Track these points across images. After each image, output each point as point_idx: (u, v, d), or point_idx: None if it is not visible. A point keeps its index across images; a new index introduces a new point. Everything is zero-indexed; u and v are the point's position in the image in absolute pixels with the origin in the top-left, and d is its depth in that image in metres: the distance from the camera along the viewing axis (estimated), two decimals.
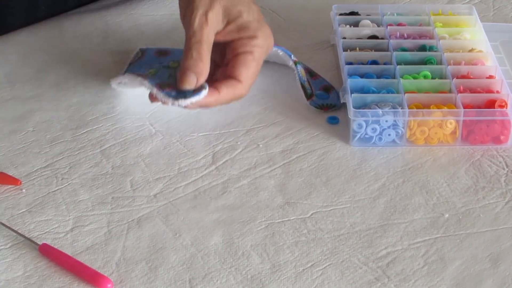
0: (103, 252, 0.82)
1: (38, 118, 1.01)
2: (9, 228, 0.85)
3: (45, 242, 0.83)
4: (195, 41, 0.89)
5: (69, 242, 0.83)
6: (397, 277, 0.80)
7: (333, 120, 1.00)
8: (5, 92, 1.05)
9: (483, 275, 0.80)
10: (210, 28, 0.90)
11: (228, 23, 0.91)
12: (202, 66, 0.89)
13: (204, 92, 0.89)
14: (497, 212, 0.87)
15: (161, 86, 0.91)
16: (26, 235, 0.84)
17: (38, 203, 0.89)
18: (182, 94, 0.89)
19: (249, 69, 0.91)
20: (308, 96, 1.02)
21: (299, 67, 1.03)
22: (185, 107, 0.90)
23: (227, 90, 0.91)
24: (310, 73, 1.06)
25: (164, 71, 0.95)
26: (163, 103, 0.91)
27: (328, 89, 1.04)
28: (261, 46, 0.92)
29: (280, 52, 1.03)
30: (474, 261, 0.82)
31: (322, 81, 1.05)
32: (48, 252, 0.82)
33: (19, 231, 0.85)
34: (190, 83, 0.89)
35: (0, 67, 1.10)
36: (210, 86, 0.90)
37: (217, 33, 0.91)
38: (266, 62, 1.00)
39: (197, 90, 0.89)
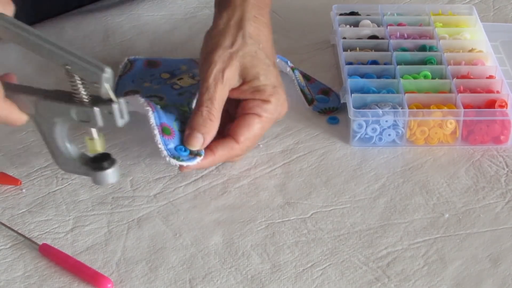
0: (103, 252, 0.82)
1: None
2: (9, 228, 0.85)
3: (45, 242, 0.83)
4: (208, 98, 0.88)
5: (69, 242, 0.83)
6: (397, 277, 0.80)
7: (333, 120, 1.00)
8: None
9: (483, 275, 0.80)
10: (225, 86, 0.88)
11: (244, 82, 0.89)
12: (211, 126, 0.88)
13: (198, 159, 0.88)
14: (497, 212, 0.87)
15: (163, 130, 0.88)
16: (26, 235, 0.84)
17: (38, 203, 0.89)
18: (178, 151, 0.88)
19: (250, 131, 0.89)
20: (310, 102, 1.02)
21: (297, 73, 1.03)
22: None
23: (222, 152, 0.89)
24: (306, 77, 1.06)
25: (173, 109, 0.92)
26: (160, 150, 0.88)
27: (327, 92, 1.04)
28: (271, 112, 0.90)
29: (277, 59, 1.02)
30: (474, 261, 0.82)
31: (319, 84, 1.05)
32: (48, 252, 0.82)
33: (19, 231, 0.85)
34: (196, 144, 0.88)
35: (0, 67, 1.10)
36: (207, 147, 0.89)
37: (231, 90, 0.89)
38: None
39: (192, 155, 0.88)
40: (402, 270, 0.81)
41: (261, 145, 0.97)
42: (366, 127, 0.95)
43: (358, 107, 0.96)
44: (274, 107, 0.90)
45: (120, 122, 0.77)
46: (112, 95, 0.76)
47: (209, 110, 0.87)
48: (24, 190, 0.90)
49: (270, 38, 0.93)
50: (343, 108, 1.01)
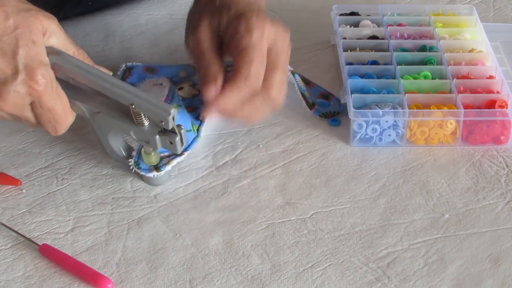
0: (103, 253, 0.82)
1: None
2: (9, 228, 0.85)
3: (45, 242, 0.83)
4: (195, 59, 0.89)
5: (70, 243, 0.83)
6: (397, 277, 0.80)
7: (334, 122, 1.00)
8: None
9: (483, 276, 0.80)
10: (204, 43, 0.89)
11: (218, 35, 0.90)
12: (211, 71, 0.87)
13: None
14: (497, 213, 0.87)
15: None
16: (26, 236, 0.84)
17: (38, 203, 0.89)
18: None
19: (244, 58, 0.86)
20: (311, 106, 1.01)
21: (297, 77, 1.02)
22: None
23: (230, 87, 0.87)
24: (305, 81, 1.05)
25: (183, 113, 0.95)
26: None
27: (327, 96, 1.04)
28: (250, 29, 0.87)
29: None
30: (474, 261, 0.82)
31: (319, 88, 1.05)
32: (48, 253, 0.82)
33: (19, 232, 0.85)
34: (210, 90, 0.87)
35: None
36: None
37: (224, 49, 0.90)
38: None
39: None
40: (402, 270, 0.81)
41: (261, 145, 0.97)
42: (366, 127, 0.95)
43: (358, 107, 0.96)
44: (244, 26, 0.87)
45: (180, 150, 0.86)
46: (176, 130, 0.83)
47: (201, 64, 0.89)
48: (24, 190, 0.90)
49: None
50: (343, 109, 1.01)
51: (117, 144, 0.90)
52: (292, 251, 0.83)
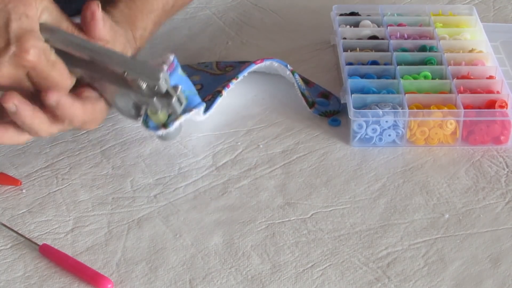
0: (103, 253, 0.82)
1: None
2: (9, 228, 0.85)
3: (45, 242, 0.83)
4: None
5: (69, 243, 0.83)
6: (397, 277, 0.80)
7: (334, 122, 1.00)
8: None
9: (483, 276, 0.80)
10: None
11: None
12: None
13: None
14: (497, 213, 0.87)
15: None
16: (26, 236, 0.84)
17: (38, 203, 0.89)
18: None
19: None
20: (310, 105, 1.01)
21: (297, 76, 1.02)
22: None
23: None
24: (305, 81, 1.05)
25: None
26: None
27: (326, 95, 1.04)
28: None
29: (276, 64, 1.01)
30: (474, 261, 0.82)
31: (318, 87, 1.05)
32: (48, 253, 0.82)
33: (19, 232, 0.85)
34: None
35: None
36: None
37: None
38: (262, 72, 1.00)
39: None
40: (402, 270, 0.81)
41: (261, 146, 0.97)
42: (366, 127, 0.95)
43: (358, 107, 0.96)
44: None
45: (179, 110, 0.84)
46: (170, 91, 0.82)
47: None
48: (24, 191, 0.90)
49: None
50: (343, 109, 1.01)
51: (125, 104, 0.88)
52: (292, 251, 0.83)
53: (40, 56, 0.79)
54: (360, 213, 0.87)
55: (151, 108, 0.85)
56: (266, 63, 1.00)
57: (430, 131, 0.96)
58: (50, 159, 0.95)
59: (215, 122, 0.99)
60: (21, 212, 0.87)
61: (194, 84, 0.97)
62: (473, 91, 0.99)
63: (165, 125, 0.88)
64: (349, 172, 0.93)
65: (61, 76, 0.82)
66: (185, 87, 0.89)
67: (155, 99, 0.83)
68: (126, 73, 0.82)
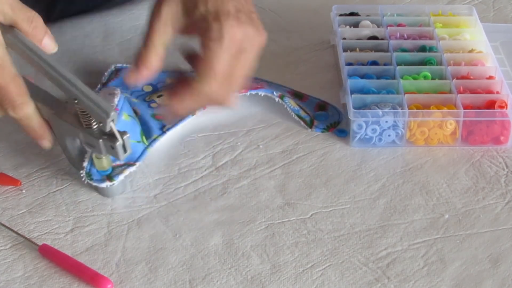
0: (103, 253, 0.82)
1: None
2: (9, 228, 0.85)
3: (45, 242, 0.83)
4: (146, 35, 0.85)
5: (69, 243, 0.84)
6: (397, 277, 0.80)
7: (341, 134, 0.98)
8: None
9: (483, 276, 0.80)
10: (164, 22, 0.84)
11: (188, 17, 0.85)
12: (148, 59, 0.84)
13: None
14: (497, 213, 0.87)
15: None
16: (26, 236, 0.84)
17: (38, 203, 0.89)
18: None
19: (207, 66, 0.82)
20: (310, 125, 0.99)
21: (287, 100, 1.00)
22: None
23: (183, 89, 0.84)
24: (297, 95, 1.03)
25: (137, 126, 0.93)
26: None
27: (323, 106, 1.02)
28: (216, 38, 0.82)
29: (262, 94, 0.99)
30: (474, 261, 0.82)
31: (313, 99, 1.03)
32: (48, 253, 0.82)
33: (19, 232, 0.85)
34: (132, 76, 0.85)
35: None
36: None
37: (181, 29, 0.85)
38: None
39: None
40: (402, 270, 0.81)
41: (261, 146, 0.97)
42: (366, 127, 0.95)
43: (358, 107, 0.96)
44: (217, 32, 0.82)
45: (122, 157, 0.83)
46: (116, 134, 0.81)
47: (146, 45, 0.84)
48: (24, 191, 0.90)
49: None
50: (343, 118, 1.00)
51: (72, 145, 0.87)
52: (292, 252, 0.83)
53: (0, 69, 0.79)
54: (360, 213, 0.87)
55: (96, 151, 0.84)
56: (252, 92, 0.99)
57: (429, 131, 0.96)
58: (50, 159, 0.95)
59: (215, 122, 0.99)
60: (21, 212, 0.87)
61: None
62: (472, 91, 0.99)
63: (110, 178, 0.88)
64: (349, 172, 0.93)
65: (19, 93, 0.81)
66: (130, 135, 0.86)
67: (101, 140, 0.82)
68: (76, 101, 0.80)
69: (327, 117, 1.01)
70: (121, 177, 0.88)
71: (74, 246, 0.83)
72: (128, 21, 1.20)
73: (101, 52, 1.13)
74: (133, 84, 0.86)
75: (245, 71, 0.84)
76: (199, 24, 0.84)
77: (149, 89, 1.03)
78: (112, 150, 0.83)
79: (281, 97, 1.00)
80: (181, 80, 0.85)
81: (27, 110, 0.83)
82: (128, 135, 0.82)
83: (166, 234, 0.85)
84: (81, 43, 1.15)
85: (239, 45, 0.83)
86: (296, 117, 1.00)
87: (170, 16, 0.85)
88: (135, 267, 0.81)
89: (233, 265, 0.81)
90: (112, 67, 1.06)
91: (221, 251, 0.83)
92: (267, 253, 0.83)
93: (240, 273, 0.80)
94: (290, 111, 1.00)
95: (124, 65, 1.07)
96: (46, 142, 0.86)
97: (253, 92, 0.98)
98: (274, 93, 1.00)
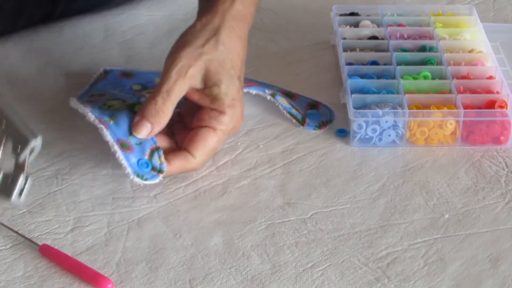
0: (103, 253, 0.82)
1: None
2: (9, 228, 0.85)
3: (45, 242, 0.83)
4: (165, 90, 0.87)
5: (69, 243, 0.83)
6: (397, 277, 0.80)
7: (342, 134, 0.98)
8: (5, 92, 1.05)
9: (483, 276, 0.80)
10: (186, 82, 0.88)
11: (205, 87, 0.89)
12: (162, 117, 0.87)
13: (160, 176, 0.88)
14: (497, 213, 0.87)
15: (122, 145, 0.88)
16: (26, 236, 0.84)
17: (38, 203, 0.89)
18: (140, 167, 0.87)
19: (206, 146, 0.89)
20: (301, 122, 1.00)
21: (278, 98, 1.00)
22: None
23: (178, 163, 0.89)
24: (289, 95, 1.03)
25: (124, 115, 0.90)
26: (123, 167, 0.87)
27: (314, 105, 1.02)
28: (226, 124, 0.89)
29: (253, 92, 0.99)
30: (474, 261, 0.82)
31: (304, 99, 1.03)
32: (49, 253, 0.82)
33: (19, 232, 0.84)
34: (143, 132, 0.88)
35: (0, 67, 1.10)
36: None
37: (193, 91, 0.89)
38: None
39: (155, 171, 0.88)
40: (402, 270, 0.81)
41: (261, 146, 0.97)
42: (366, 127, 0.95)
43: (358, 107, 0.96)
44: (229, 119, 0.90)
45: (14, 198, 0.77)
46: (26, 169, 0.76)
47: (164, 102, 0.87)
48: None
49: (242, 53, 0.92)
50: (343, 109, 1.00)
51: None
52: (292, 251, 0.83)
53: None
54: (360, 213, 0.87)
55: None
56: (243, 90, 0.99)
57: (430, 131, 0.96)
58: (50, 159, 0.95)
59: None
60: (21, 212, 0.87)
61: None
62: (473, 91, 0.99)
63: (160, 171, 0.89)
64: (349, 172, 0.93)
65: None
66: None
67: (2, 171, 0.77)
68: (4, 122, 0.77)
69: (319, 116, 1.01)
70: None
71: (74, 246, 0.83)
72: (128, 21, 1.20)
73: (101, 52, 1.13)
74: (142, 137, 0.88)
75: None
76: (211, 100, 0.89)
77: (138, 87, 1.03)
78: (8, 184, 0.76)
79: (273, 95, 1.00)
80: (178, 130, 0.92)
81: None
82: (30, 180, 0.77)
83: (166, 234, 0.85)
84: (81, 43, 1.15)
85: (234, 130, 0.92)
86: (287, 115, 1.00)
87: (193, 79, 0.88)
88: (135, 267, 0.81)
89: (233, 265, 0.81)
90: (102, 70, 1.06)
91: (221, 251, 0.83)
92: (267, 253, 0.83)
93: (240, 273, 0.80)
94: (282, 109, 1.00)
95: (113, 68, 1.07)
96: None
97: (245, 90, 0.98)
98: (266, 91, 1.00)
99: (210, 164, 0.94)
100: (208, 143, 0.90)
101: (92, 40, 1.16)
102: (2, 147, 0.76)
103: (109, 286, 0.78)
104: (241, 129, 0.99)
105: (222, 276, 0.80)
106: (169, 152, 0.90)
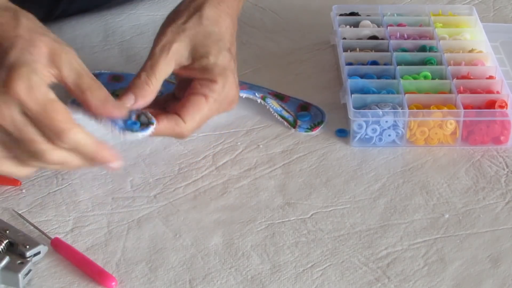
0: (103, 253, 0.82)
1: None
2: (24, 219, 0.85)
3: (57, 236, 0.83)
4: (150, 65, 0.87)
5: (69, 243, 0.83)
6: (397, 277, 0.80)
7: (342, 134, 0.98)
8: None
9: (483, 276, 0.80)
10: (171, 58, 0.87)
11: (193, 61, 0.88)
12: (146, 90, 0.86)
13: (152, 128, 0.86)
14: (497, 213, 0.87)
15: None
16: (37, 230, 0.84)
17: (38, 203, 0.89)
18: (129, 126, 0.85)
19: (197, 113, 0.88)
20: (293, 124, 0.99)
21: (269, 101, 1.00)
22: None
23: (167, 124, 0.87)
24: (279, 96, 1.03)
25: None
26: (111, 131, 0.85)
27: (305, 107, 1.02)
28: (218, 92, 0.88)
29: (243, 95, 0.99)
30: (474, 261, 0.82)
31: (295, 100, 1.03)
32: (60, 247, 0.82)
33: (21, 230, 0.84)
34: (126, 102, 0.86)
35: None
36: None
37: (182, 68, 0.89)
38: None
39: (144, 125, 0.86)
40: (402, 270, 0.81)
41: (261, 146, 0.97)
42: (366, 127, 0.95)
43: (358, 107, 0.96)
44: (220, 87, 0.88)
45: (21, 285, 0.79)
46: (28, 263, 0.79)
47: (148, 76, 0.86)
48: (24, 191, 0.90)
49: (230, 27, 0.92)
50: (343, 108, 1.00)
51: None
52: (292, 251, 0.83)
53: (30, 90, 0.75)
54: (360, 213, 0.87)
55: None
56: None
57: (430, 131, 0.96)
58: None
59: (215, 122, 0.99)
60: (21, 212, 0.87)
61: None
62: (473, 91, 0.99)
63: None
64: (349, 172, 0.93)
65: (65, 121, 0.76)
66: None
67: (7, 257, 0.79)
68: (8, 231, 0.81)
69: (310, 117, 1.00)
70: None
71: (74, 246, 0.83)
72: (128, 21, 1.20)
73: (101, 52, 1.13)
74: (123, 113, 0.84)
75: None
76: (202, 72, 0.89)
77: None
78: (7, 272, 0.78)
79: (263, 98, 1.00)
80: (167, 101, 0.91)
81: (77, 136, 0.77)
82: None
83: (166, 234, 0.85)
84: (81, 43, 1.15)
85: (229, 103, 0.91)
86: (279, 118, 0.99)
87: (178, 55, 0.88)
88: (135, 267, 0.81)
89: (233, 265, 0.81)
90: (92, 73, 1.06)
91: (221, 251, 0.83)
92: (267, 253, 0.83)
93: (240, 273, 0.80)
94: (272, 112, 1.00)
95: (102, 71, 1.07)
96: (115, 162, 0.81)
97: None
98: (256, 94, 1.00)
99: (210, 164, 0.94)
100: (199, 109, 0.88)
101: (92, 40, 1.16)
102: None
103: (113, 284, 0.78)
104: (241, 129, 0.99)
105: (222, 276, 0.80)
106: (158, 114, 0.88)
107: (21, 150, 0.77)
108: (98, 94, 0.80)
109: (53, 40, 0.80)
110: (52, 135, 0.76)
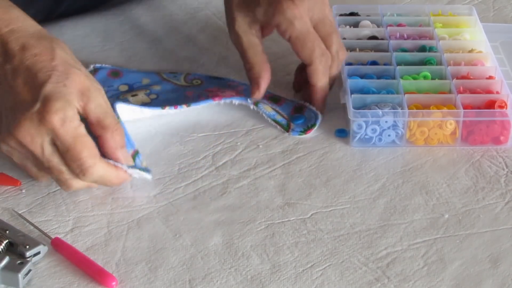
0: (103, 253, 0.82)
1: None
2: (24, 219, 0.85)
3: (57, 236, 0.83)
4: (241, 54, 0.99)
5: (69, 243, 0.83)
6: (397, 277, 0.80)
7: (342, 134, 0.98)
8: None
9: (483, 276, 0.80)
10: (245, 36, 0.98)
11: (257, 20, 0.98)
12: (255, 71, 0.98)
13: (149, 175, 0.89)
14: (497, 213, 0.87)
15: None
16: (35, 232, 0.84)
17: (38, 203, 0.89)
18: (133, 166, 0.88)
19: (303, 50, 0.98)
20: (287, 129, 0.99)
21: (261, 106, 1.00)
22: None
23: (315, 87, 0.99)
24: (274, 99, 1.03)
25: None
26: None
27: (300, 109, 1.01)
28: (290, 21, 0.96)
29: (236, 102, 0.99)
30: (474, 261, 0.82)
31: (290, 103, 1.03)
32: (60, 247, 0.82)
33: (21, 230, 0.84)
34: (255, 95, 0.99)
35: None
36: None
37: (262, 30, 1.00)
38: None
39: (146, 170, 0.89)
40: (402, 270, 0.81)
41: (260, 146, 0.97)
42: (366, 127, 0.95)
43: (358, 107, 0.96)
44: (283, 22, 0.97)
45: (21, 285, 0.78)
46: (28, 263, 0.79)
47: (247, 61, 0.99)
48: (24, 191, 0.90)
49: None
50: (343, 108, 1.00)
51: None
52: (291, 251, 0.83)
53: (64, 121, 0.80)
54: (360, 213, 0.87)
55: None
56: (226, 101, 0.99)
57: (429, 131, 0.96)
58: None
59: (215, 122, 1.00)
60: (21, 212, 0.87)
61: (155, 93, 0.98)
62: (472, 91, 0.99)
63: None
64: (349, 172, 0.93)
65: (90, 155, 0.82)
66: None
67: (7, 257, 0.79)
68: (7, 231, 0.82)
69: (304, 120, 1.00)
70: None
71: (74, 246, 0.83)
72: (128, 21, 1.20)
73: (101, 52, 1.13)
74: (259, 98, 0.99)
75: (332, 25, 1.00)
76: (269, 26, 1.00)
77: (124, 88, 1.03)
78: (8, 273, 0.78)
79: (256, 103, 1.00)
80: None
81: (99, 171, 0.83)
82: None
83: (166, 234, 0.85)
84: (81, 43, 1.15)
85: (310, 14, 0.97)
86: (272, 122, 0.99)
87: (247, 29, 0.99)
88: (135, 267, 0.81)
89: (233, 265, 0.81)
90: (91, 67, 1.06)
91: (221, 251, 0.83)
92: (267, 253, 0.83)
93: (240, 273, 0.80)
94: (266, 117, 0.99)
95: (103, 65, 1.07)
96: (127, 179, 0.88)
97: (227, 100, 0.99)
98: (249, 100, 1.00)
99: (210, 164, 0.94)
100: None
101: (92, 40, 1.16)
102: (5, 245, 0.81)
103: (113, 283, 0.78)
104: (241, 129, 0.99)
105: (221, 276, 0.80)
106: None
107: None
108: (117, 137, 0.85)
109: (85, 75, 0.84)
110: (76, 169, 0.82)
